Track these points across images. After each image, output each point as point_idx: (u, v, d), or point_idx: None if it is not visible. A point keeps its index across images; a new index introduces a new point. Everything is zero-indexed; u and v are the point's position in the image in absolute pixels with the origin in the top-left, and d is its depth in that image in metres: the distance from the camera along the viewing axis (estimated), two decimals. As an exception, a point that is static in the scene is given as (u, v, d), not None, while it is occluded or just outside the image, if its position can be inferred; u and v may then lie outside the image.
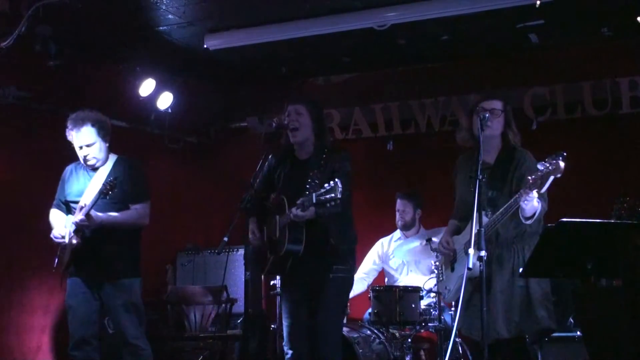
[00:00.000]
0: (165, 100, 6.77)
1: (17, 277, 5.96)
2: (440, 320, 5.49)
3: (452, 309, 5.34)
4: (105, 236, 4.63)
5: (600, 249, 3.54)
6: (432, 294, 5.57)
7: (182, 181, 7.52)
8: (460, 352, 5.49)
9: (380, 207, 7.00)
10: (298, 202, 4.07)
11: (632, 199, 5.16)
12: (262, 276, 6.44)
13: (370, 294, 5.65)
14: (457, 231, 4.43)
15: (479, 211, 3.81)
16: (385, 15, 5.75)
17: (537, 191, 3.83)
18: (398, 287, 5.72)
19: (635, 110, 6.44)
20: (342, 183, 3.94)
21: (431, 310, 5.54)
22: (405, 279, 6.21)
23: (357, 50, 6.67)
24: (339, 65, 7.15)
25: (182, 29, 6.09)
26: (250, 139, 7.54)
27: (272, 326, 6.09)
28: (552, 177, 3.76)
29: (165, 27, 6.06)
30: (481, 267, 3.72)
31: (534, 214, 4.00)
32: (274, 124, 4.42)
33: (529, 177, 3.83)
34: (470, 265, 3.70)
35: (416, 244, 6.29)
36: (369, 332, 5.68)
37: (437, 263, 5.07)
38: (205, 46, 6.24)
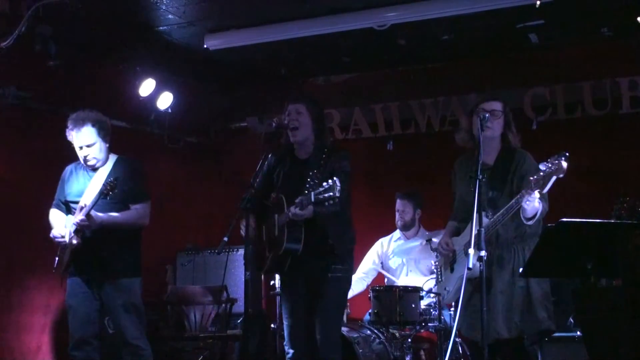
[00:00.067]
0: (165, 100, 6.77)
1: (17, 277, 5.96)
2: (440, 320, 5.49)
3: (452, 309, 5.34)
4: (105, 236, 4.63)
5: (600, 249, 3.54)
6: (432, 294, 5.57)
7: (182, 181, 7.52)
8: (460, 352, 5.50)
9: (380, 207, 7.00)
10: (296, 200, 4.08)
11: (632, 199, 5.16)
12: (262, 275, 6.49)
13: (370, 294, 5.65)
14: (457, 232, 4.43)
15: (479, 211, 3.81)
16: (385, 15, 5.75)
17: (539, 191, 3.83)
18: (398, 287, 5.72)
19: (635, 110, 6.44)
20: (340, 182, 3.94)
21: (431, 310, 5.54)
22: (404, 279, 6.21)
23: (357, 50, 6.68)
24: (339, 65, 7.15)
25: (182, 29, 6.09)
26: (250, 139, 7.54)
27: (272, 326, 6.10)
28: (554, 178, 3.76)
29: (165, 27, 6.06)
30: (481, 267, 3.72)
31: (535, 214, 4.00)
32: (274, 124, 4.42)
33: (531, 178, 3.83)
34: (470, 266, 3.70)
35: (416, 244, 6.30)
36: (369, 332, 5.68)
37: (437, 263, 5.07)
38: (205, 46, 6.24)
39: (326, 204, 3.97)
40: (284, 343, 4.49)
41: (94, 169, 4.80)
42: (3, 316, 5.85)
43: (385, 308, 5.49)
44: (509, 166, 4.26)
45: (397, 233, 6.46)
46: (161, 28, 6.07)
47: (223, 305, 6.37)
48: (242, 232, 4.27)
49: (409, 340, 5.59)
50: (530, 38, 6.27)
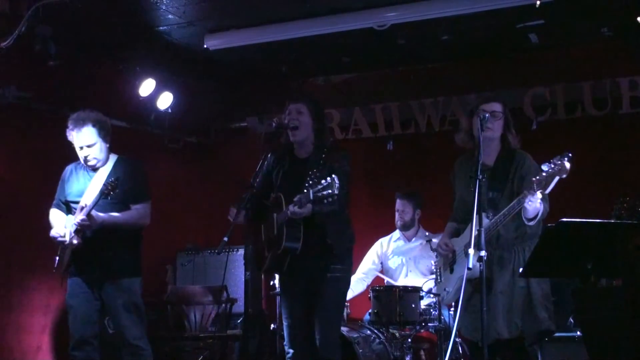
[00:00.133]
0: (165, 100, 6.77)
1: (17, 277, 5.96)
2: (440, 320, 5.50)
3: (452, 309, 5.34)
4: (105, 236, 4.63)
5: (600, 249, 3.54)
6: (432, 295, 5.57)
7: (182, 181, 7.52)
8: (460, 352, 5.50)
9: (380, 207, 7.01)
10: (295, 199, 4.08)
11: (632, 199, 5.16)
12: (262, 275, 6.49)
13: (370, 294, 5.65)
14: (456, 233, 4.43)
15: (479, 212, 3.81)
16: (385, 15, 5.75)
17: (541, 192, 3.83)
18: (398, 287, 5.72)
19: (635, 110, 6.44)
20: (340, 181, 3.95)
21: (431, 310, 5.55)
22: (404, 280, 6.21)
23: (357, 50, 6.68)
24: (339, 65, 7.15)
25: (182, 29, 6.09)
26: (250, 139, 7.54)
27: (272, 326, 6.10)
28: (557, 178, 3.77)
29: (165, 27, 6.06)
30: (481, 267, 3.72)
31: (537, 215, 4.00)
32: (274, 124, 4.42)
33: (534, 178, 3.84)
34: (471, 266, 3.70)
35: (415, 244, 6.31)
36: (369, 332, 5.68)
37: (436, 264, 5.07)
38: (205, 46, 6.24)
39: (325, 201, 3.97)
40: (284, 343, 4.50)
41: (94, 169, 4.80)
42: (3, 316, 5.85)
43: (385, 308, 5.49)
44: (509, 167, 4.26)
45: (396, 233, 6.46)
46: (161, 28, 6.07)
47: (223, 305, 6.37)
48: (230, 218, 4.30)
49: (409, 340, 5.59)
50: (530, 38, 6.27)
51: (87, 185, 4.76)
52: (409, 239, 6.37)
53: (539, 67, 6.76)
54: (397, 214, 6.37)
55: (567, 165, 3.73)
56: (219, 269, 6.89)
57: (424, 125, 7.11)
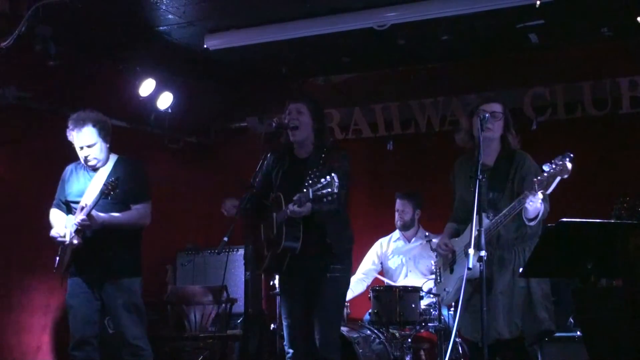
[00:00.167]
0: (165, 100, 6.77)
1: (17, 278, 5.96)
2: (440, 320, 5.50)
3: (452, 309, 5.34)
4: (106, 236, 4.63)
5: (600, 249, 3.54)
6: (432, 295, 5.57)
7: (182, 181, 7.52)
8: (460, 352, 5.50)
9: (380, 207, 7.01)
10: (294, 198, 4.08)
11: (632, 199, 5.16)
12: (262, 275, 6.49)
13: (370, 294, 5.65)
14: (456, 234, 4.43)
15: (479, 212, 3.81)
16: (385, 15, 5.75)
17: (542, 192, 3.83)
18: (398, 287, 5.72)
19: (635, 110, 6.44)
20: (339, 180, 3.95)
21: (431, 310, 5.55)
22: (404, 280, 6.21)
23: (357, 50, 6.68)
24: (339, 65, 7.15)
25: (182, 29, 6.09)
26: (250, 139, 7.54)
27: (272, 326, 6.10)
28: (558, 178, 3.77)
29: (165, 27, 6.06)
30: (481, 267, 3.72)
31: (537, 215, 4.00)
32: (274, 124, 4.43)
33: (535, 179, 3.84)
34: (471, 266, 3.70)
35: (415, 244, 6.31)
36: (369, 332, 5.68)
37: (436, 264, 5.07)
38: (205, 46, 6.24)
39: (324, 200, 3.97)
40: (284, 343, 4.50)
41: (95, 169, 4.80)
42: (3, 316, 5.85)
43: (385, 308, 5.49)
44: (509, 167, 4.26)
45: (396, 233, 6.46)
46: (161, 28, 6.07)
47: (223, 305, 6.38)
48: (225, 212, 4.29)
49: (409, 340, 5.59)
50: (530, 38, 6.27)
51: (87, 185, 4.76)
52: (408, 239, 6.37)
53: (539, 67, 6.76)
54: (396, 214, 6.37)
55: (569, 165, 3.73)
56: (219, 269, 6.89)
57: (424, 125, 7.11)
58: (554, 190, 3.87)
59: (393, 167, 7.30)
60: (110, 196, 4.55)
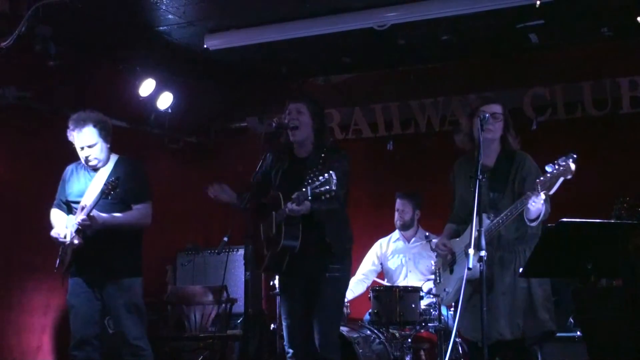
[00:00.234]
0: (165, 100, 6.77)
1: (17, 277, 5.96)
2: (440, 320, 5.50)
3: (452, 309, 5.34)
4: (106, 236, 4.63)
5: (600, 249, 3.54)
6: (432, 295, 5.57)
7: (182, 181, 7.52)
8: (460, 352, 5.50)
9: (379, 207, 7.01)
10: (293, 196, 4.08)
11: (632, 199, 5.16)
12: (262, 275, 6.49)
13: (370, 294, 5.65)
14: (455, 234, 4.43)
15: (479, 212, 3.81)
16: (385, 15, 5.75)
17: (544, 193, 3.84)
18: (398, 287, 5.72)
19: (635, 110, 6.44)
20: (338, 179, 3.95)
21: (431, 310, 5.55)
22: (404, 280, 6.21)
23: (357, 50, 6.67)
24: (339, 65, 7.15)
25: (182, 29, 6.09)
26: (250, 139, 7.55)
27: (272, 326, 6.10)
28: (562, 179, 3.76)
29: (165, 27, 6.06)
30: (481, 267, 3.72)
31: (539, 215, 4.00)
32: (274, 124, 4.43)
33: (538, 179, 3.84)
34: (471, 266, 3.69)
35: (415, 244, 6.31)
36: (369, 332, 5.68)
37: (436, 264, 5.08)
38: (205, 46, 6.24)
39: (323, 198, 3.97)
40: (284, 343, 4.50)
41: (95, 169, 4.80)
42: (3, 316, 5.86)
43: (385, 308, 5.49)
44: (509, 168, 4.27)
45: (395, 234, 6.46)
46: (161, 28, 6.07)
47: (223, 305, 6.37)
48: (212, 195, 4.29)
49: (409, 340, 5.59)
50: (530, 38, 6.27)
51: (87, 185, 4.76)
52: (408, 240, 6.37)
53: (539, 67, 6.76)
54: (396, 214, 6.37)
55: (573, 166, 3.73)
56: (219, 269, 6.89)
57: (424, 125, 7.11)
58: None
59: (393, 167, 7.30)
60: (110, 196, 4.55)
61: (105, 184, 4.57)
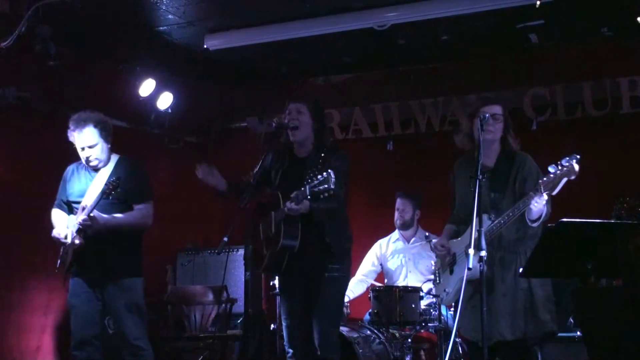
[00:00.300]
0: (165, 100, 6.77)
1: (17, 277, 5.96)
2: (440, 320, 5.50)
3: (452, 309, 5.34)
4: (107, 236, 4.63)
5: (600, 249, 3.54)
6: (431, 295, 5.57)
7: (182, 181, 7.51)
8: (460, 352, 5.50)
9: (380, 207, 7.00)
10: (292, 195, 4.08)
11: (632, 199, 5.16)
12: (262, 275, 6.49)
13: (370, 294, 5.65)
14: (455, 235, 4.43)
15: (479, 212, 3.81)
16: (385, 15, 5.75)
17: (547, 193, 3.84)
18: (398, 287, 5.73)
19: (635, 110, 6.43)
20: (337, 178, 3.95)
21: (431, 310, 5.55)
22: (404, 281, 6.21)
23: (357, 50, 6.68)
24: (339, 65, 7.15)
25: (182, 29, 6.09)
26: (250, 139, 7.54)
27: (272, 326, 6.10)
28: (565, 179, 3.77)
29: (165, 27, 6.06)
30: (481, 267, 3.72)
31: (540, 216, 4.01)
32: (274, 124, 4.43)
33: (541, 180, 3.84)
34: (471, 266, 3.69)
35: (415, 244, 6.31)
36: (369, 332, 5.68)
37: (435, 264, 5.08)
38: (205, 46, 6.24)
39: (321, 197, 3.97)
40: (284, 343, 4.50)
41: (96, 169, 4.80)
42: (3, 316, 5.85)
43: (385, 308, 5.49)
44: (509, 168, 4.27)
45: (395, 234, 6.46)
46: (161, 28, 6.07)
47: (223, 305, 6.37)
48: (199, 175, 4.31)
49: (409, 340, 5.59)
50: (530, 38, 6.27)
51: (88, 185, 4.76)
52: (407, 240, 6.37)
53: (539, 67, 6.76)
54: (397, 213, 6.37)
55: (576, 167, 3.74)
56: (219, 269, 6.89)
57: (424, 125, 7.11)
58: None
59: (393, 167, 7.30)
60: (111, 196, 4.55)
61: (106, 184, 4.57)
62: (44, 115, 6.06)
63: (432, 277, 5.14)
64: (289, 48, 6.47)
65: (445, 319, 5.58)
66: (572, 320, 5.25)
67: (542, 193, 3.84)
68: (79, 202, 4.72)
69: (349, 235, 4.48)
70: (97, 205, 4.54)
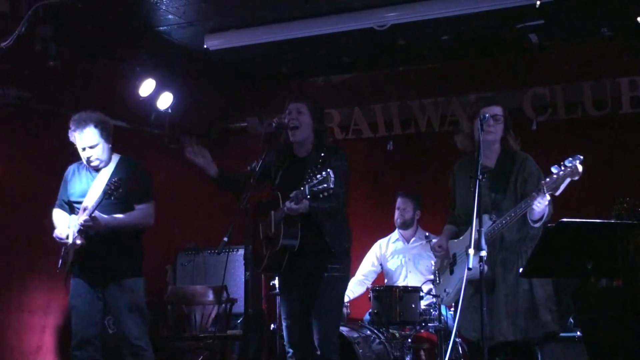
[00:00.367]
0: (165, 100, 6.76)
1: (17, 277, 5.96)
2: (440, 320, 5.49)
3: (452, 309, 5.34)
4: (108, 236, 4.63)
5: (600, 249, 3.54)
6: (431, 295, 5.57)
7: (182, 181, 7.51)
8: (460, 352, 5.50)
9: (379, 207, 7.01)
10: (291, 195, 4.08)
11: (632, 199, 5.16)
12: (262, 275, 6.49)
13: (370, 294, 5.65)
14: (455, 236, 4.43)
15: (479, 212, 3.81)
16: (385, 15, 5.75)
17: (550, 194, 3.84)
18: (398, 287, 5.73)
19: (635, 110, 6.43)
20: (337, 178, 3.96)
21: (431, 310, 5.55)
22: (404, 281, 6.21)
23: (357, 50, 6.67)
24: (339, 65, 7.14)
25: (182, 29, 6.09)
26: (250, 139, 7.54)
27: (272, 326, 6.10)
28: (568, 180, 3.77)
29: (165, 27, 6.06)
30: (481, 267, 3.72)
31: (542, 216, 4.01)
32: (274, 124, 4.43)
33: (543, 181, 3.85)
34: (471, 266, 3.69)
35: (414, 244, 6.31)
36: (369, 332, 5.68)
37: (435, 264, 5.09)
38: (205, 46, 6.24)
39: (321, 196, 3.97)
40: (284, 343, 4.50)
41: (97, 169, 4.80)
42: (3, 316, 5.85)
43: (385, 308, 5.49)
44: (510, 168, 4.27)
45: (395, 234, 6.46)
46: (161, 28, 6.07)
47: (223, 305, 6.37)
48: (188, 154, 4.30)
49: (409, 340, 5.59)
50: (530, 38, 6.27)
51: (89, 186, 4.76)
52: (407, 240, 6.37)
53: (539, 67, 6.75)
54: (397, 212, 6.37)
55: (580, 167, 3.75)
56: (219, 269, 6.89)
57: (424, 125, 7.11)
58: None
59: (393, 167, 7.30)
60: (113, 196, 4.55)
61: (107, 185, 4.57)
62: (44, 115, 6.06)
63: (432, 277, 5.14)
64: (289, 48, 6.46)
65: (445, 319, 5.58)
66: (572, 320, 5.25)
67: (545, 193, 3.84)
68: (80, 202, 4.72)
69: (349, 234, 4.48)
70: (98, 205, 4.54)
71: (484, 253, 3.71)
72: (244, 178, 4.47)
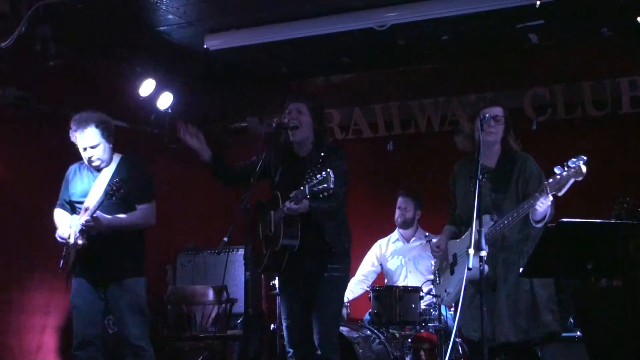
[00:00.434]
0: (165, 100, 6.77)
1: (17, 277, 5.96)
2: (440, 320, 5.49)
3: (452, 309, 5.34)
4: (110, 236, 4.63)
5: (600, 249, 3.53)
6: (431, 295, 5.57)
7: (182, 181, 7.51)
8: (460, 352, 5.50)
9: (379, 207, 7.01)
10: (291, 195, 4.08)
11: (632, 199, 5.16)
12: (262, 275, 6.48)
13: (370, 294, 5.65)
14: (455, 236, 4.43)
15: (479, 212, 3.80)
16: (385, 15, 5.76)
17: (554, 194, 3.84)
18: (398, 287, 5.72)
19: (635, 110, 6.44)
20: (337, 178, 3.96)
21: (431, 310, 5.55)
22: (404, 281, 6.20)
23: (357, 50, 6.68)
24: (339, 65, 7.15)
25: (182, 29, 6.09)
26: (250, 139, 7.54)
27: (272, 326, 6.09)
28: (572, 180, 3.77)
29: (165, 27, 6.06)
30: (481, 267, 3.72)
31: (544, 217, 4.01)
32: (274, 124, 4.42)
33: (547, 181, 3.85)
34: (471, 266, 3.69)
35: (414, 244, 6.31)
36: (369, 332, 5.68)
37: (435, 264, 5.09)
38: (205, 46, 6.24)
39: (321, 196, 3.97)
40: (284, 343, 4.50)
41: (98, 169, 4.80)
42: (3, 316, 5.85)
43: (385, 308, 5.49)
44: (511, 169, 4.27)
45: (395, 234, 6.45)
46: (161, 28, 6.07)
47: (223, 305, 6.37)
48: (181, 134, 4.29)
49: (409, 340, 5.59)
50: (530, 38, 6.27)
51: (91, 186, 4.76)
52: (407, 240, 6.37)
53: (539, 67, 6.76)
54: (398, 211, 6.36)
55: (584, 168, 3.75)
56: (219, 269, 6.89)
57: (424, 125, 7.11)
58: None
59: (393, 167, 7.30)
60: (114, 196, 4.54)
61: (108, 185, 4.56)
62: (44, 115, 6.06)
63: (432, 277, 5.14)
64: (289, 48, 6.47)
65: (445, 319, 5.58)
66: (572, 320, 5.25)
67: (548, 194, 3.84)
68: (81, 202, 4.72)
69: (349, 234, 4.47)
70: (100, 205, 4.54)
71: (484, 253, 3.71)
72: (244, 169, 4.47)
